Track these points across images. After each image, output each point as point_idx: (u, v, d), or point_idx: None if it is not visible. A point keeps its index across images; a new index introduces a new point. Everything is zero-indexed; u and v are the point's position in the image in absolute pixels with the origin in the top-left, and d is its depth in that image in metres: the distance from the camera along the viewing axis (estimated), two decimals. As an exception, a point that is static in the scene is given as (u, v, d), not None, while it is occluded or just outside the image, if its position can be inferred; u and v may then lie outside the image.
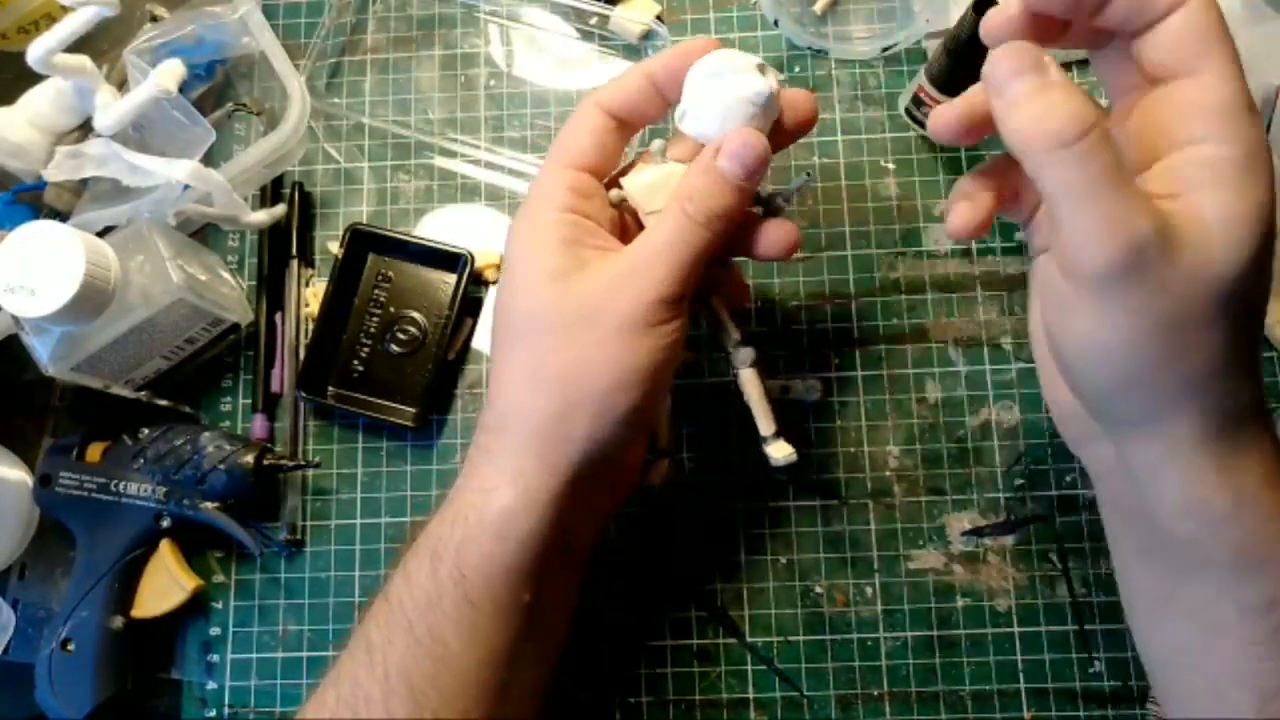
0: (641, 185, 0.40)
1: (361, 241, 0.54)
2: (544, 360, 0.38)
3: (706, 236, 0.37)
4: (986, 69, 0.31)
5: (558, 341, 0.37)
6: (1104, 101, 0.39)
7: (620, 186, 0.40)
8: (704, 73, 0.38)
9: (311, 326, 0.54)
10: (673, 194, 0.38)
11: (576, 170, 0.39)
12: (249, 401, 0.54)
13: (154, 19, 0.55)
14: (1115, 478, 0.36)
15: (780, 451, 0.42)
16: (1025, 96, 0.30)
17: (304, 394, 0.53)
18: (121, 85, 0.53)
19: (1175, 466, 0.32)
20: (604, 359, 0.37)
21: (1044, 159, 0.30)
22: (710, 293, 0.43)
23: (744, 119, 0.38)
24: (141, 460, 0.50)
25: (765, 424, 0.42)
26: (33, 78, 0.51)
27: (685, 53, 0.39)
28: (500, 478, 0.38)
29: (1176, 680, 0.37)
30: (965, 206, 0.37)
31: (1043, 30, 0.33)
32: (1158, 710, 0.40)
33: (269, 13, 0.57)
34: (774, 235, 0.40)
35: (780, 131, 0.40)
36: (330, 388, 0.53)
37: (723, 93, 0.37)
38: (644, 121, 0.41)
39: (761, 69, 0.38)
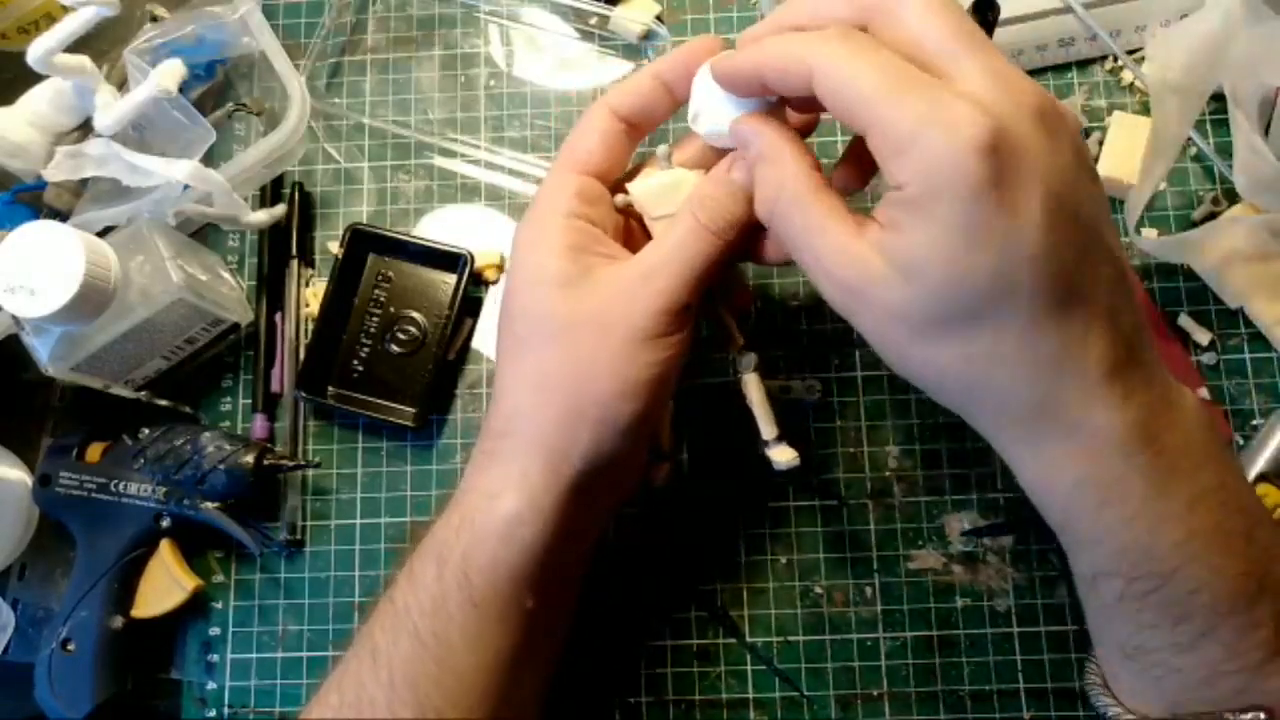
0: (648, 191, 0.40)
1: (361, 241, 0.54)
2: (550, 367, 0.38)
3: (718, 246, 0.37)
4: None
5: (564, 349, 0.37)
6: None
7: (626, 192, 0.40)
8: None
9: (311, 326, 0.54)
10: (684, 202, 0.38)
11: (583, 175, 0.39)
12: (249, 401, 0.54)
13: (154, 19, 0.55)
14: None
15: (783, 456, 0.42)
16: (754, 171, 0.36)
17: (304, 394, 0.53)
18: (121, 85, 0.53)
19: (999, 449, 0.36)
20: (610, 368, 0.37)
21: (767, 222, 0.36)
22: (715, 297, 0.43)
23: None
24: (141, 460, 0.50)
25: (768, 429, 0.42)
26: (33, 78, 0.51)
27: (694, 51, 0.39)
28: (505, 483, 0.38)
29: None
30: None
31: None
32: (1095, 666, 0.41)
33: (269, 13, 0.57)
34: (778, 241, 0.40)
35: None
36: (330, 388, 0.53)
37: (740, 101, 0.37)
38: (654, 124, 0.41)
39: None
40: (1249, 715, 0.34)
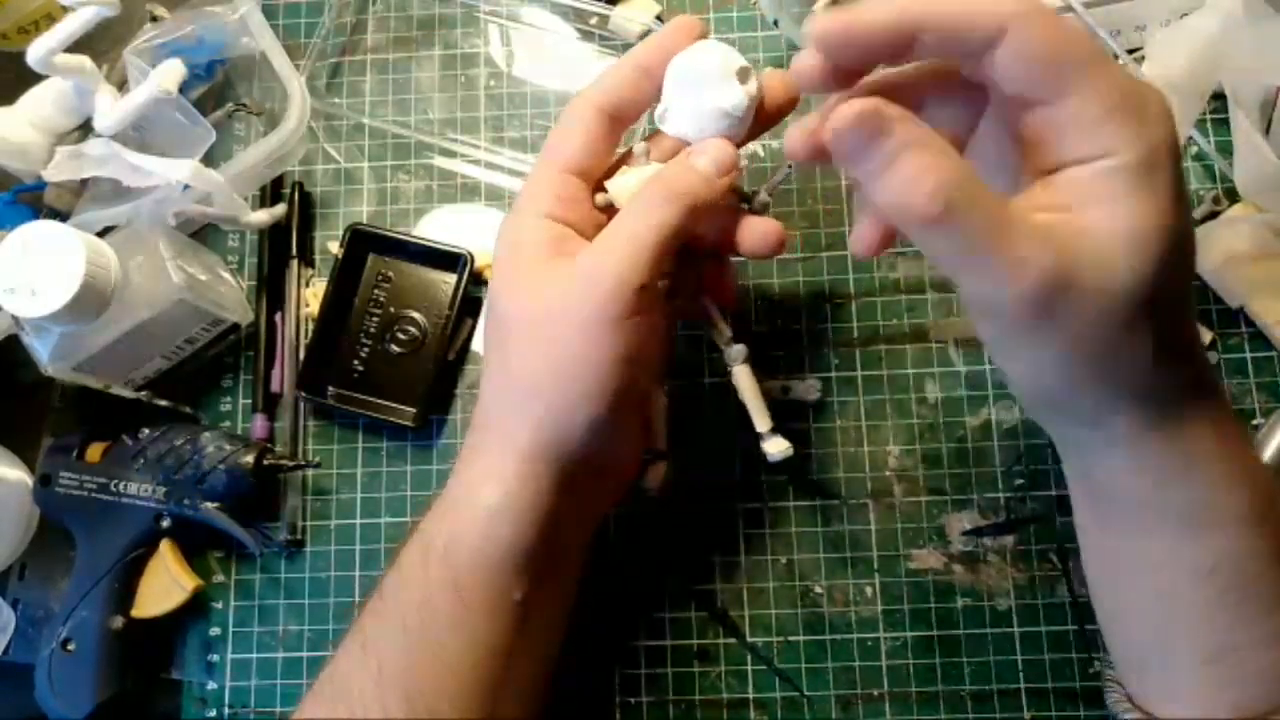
0: (625, 188, 0.40)
1: (361, 241, 0.54)
2: (514, 363, 0.38)
3: (668, 218, 0.37)
4: (830, 139, 0.30)
5: (527, 346, 0.38)
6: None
7: (605, 190, 0.40)
8: (685, 75, 0.38)
9: (311, 326, 0.54)
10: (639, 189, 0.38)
11: (565, 173, 0.39)
12: (249, 401, 0.54)
13: (154, 19, 0.55)
14: (1078, 453, 0.37)
15: (776, 447, 0.42)
16: (880, 172, 0.29)
17: (304, 394, 0.53)
18: (121, 85, 0.53)
19: (1123, 448, 0.34)
20: (568, 364, 0.37)
21: (918, 235, 0.30)
22: (700, 291, 0.43)
23: (721, 129, 0.39)
24: (141, 460, 0.50)
25: (760, 420, 0.42)
26: (33, 78, 0.51)
27: (673, 34, 0.39)
28: (483, 477, 0.38)
29: (1137, 636, 0.38)
30: (868, 224, 0.36)
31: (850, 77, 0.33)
32: (1112, 674, 0.41)
33: (269, 13, 0.57)
34: (758, 231, 0.40)
35: (760, 119, 0.40)
36: (330, 388, 0.53)
37: (702, 101, 0.38)
38: (638, 113, 0.41)
39: (744, 74, 0.38)
40: None
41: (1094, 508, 0.38)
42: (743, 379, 0.42)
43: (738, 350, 0.42)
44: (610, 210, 0.40)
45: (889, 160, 0.29)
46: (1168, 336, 0.32)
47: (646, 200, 0.37)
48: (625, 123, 0.41)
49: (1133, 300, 0.30)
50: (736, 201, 0.43)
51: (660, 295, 0.38)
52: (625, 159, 0.41)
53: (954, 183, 0.29)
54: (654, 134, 0.41)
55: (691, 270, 0.43)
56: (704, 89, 0.38)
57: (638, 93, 0.39)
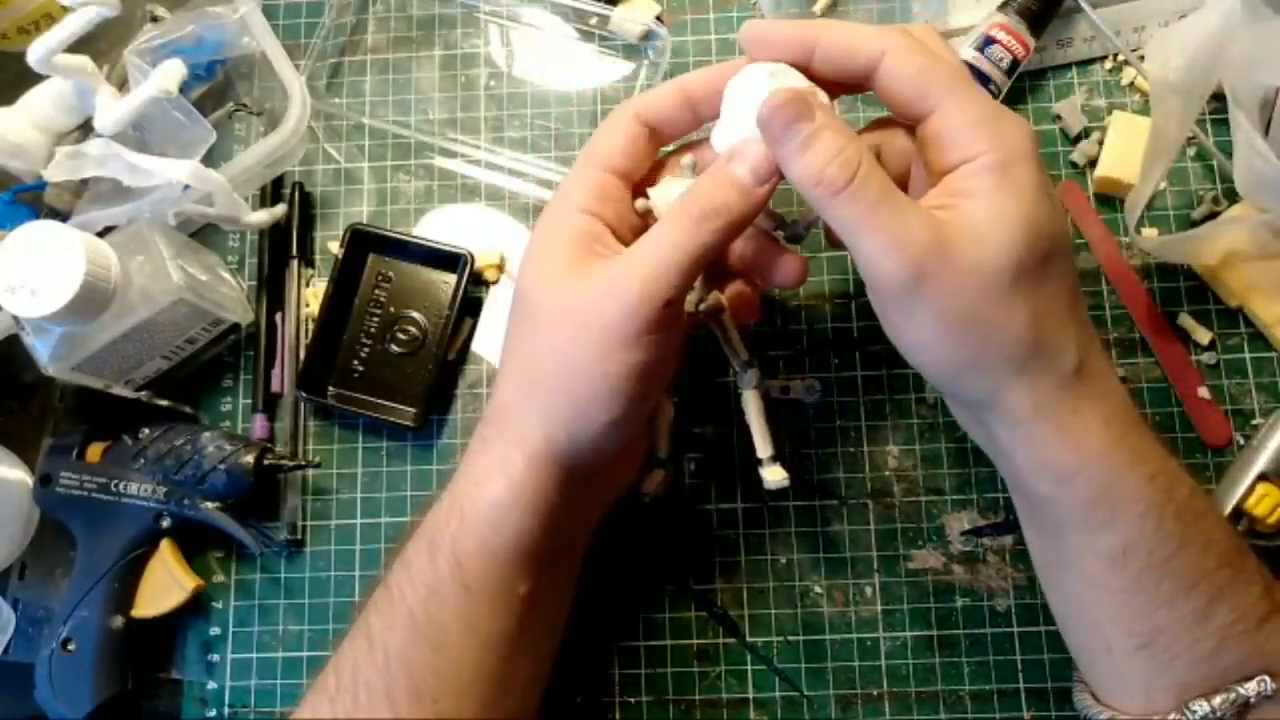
0: (667, 197, 0.40)
1: (361, 241, 0.54)
2: (533, 360, 0.38)
3: (702, 236, 0.37)
4: (760, 122, 0.36)
5: (546, 343, 0.38)
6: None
7: (647, 196, 0.41)
8: (736, 91, 0.38)
9: (311, 326, 0.54)
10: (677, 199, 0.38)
11: (603, 172, 0.40)
12: (249, 401, 0.54)
13: (154, 19, 0.55)
14: (997, 453, 0.39)
15: (774, 475, 0.42)
16: (798, 149, 0.35)
17: (304, 394, 0.53)
18: (122, 85, 0.53)
19: (1019, 435, 0.36)
20: (585, 366, 0.37)
21: (828, 203, 0.35)
22: (722, 310, 0.43)
23: None
24: (142, 460, 0.50)
25: (763, 447, 0.42)
26: (33, 78, 0.51)
27: (722, 72, 0.39)
28: (491, 470, 0.39)
29: (1078, 633, 0.41)
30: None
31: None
32: (1078, 674, 0.42)
33: (269, 13, 0.57)
34: (783, 265, 0.42)
35: None
36: (330, 388, 0.53)
37: (748, 114, 0.37)
38: (675, 133, 0.41)
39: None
40: (1253, 683, 0.36)
41: (1026, 512, 0.40)
42: (751, 404, 0.43)
43: (751, 375, 0.43)
44: (649, 217, 0.41)
45: (811, 138, 0.35)
46: (1041, 314, 0.35)
47: (681, 216, 0.37)
48: (662, 138, 0.41)
49: (999, 272, 0.34)
50: (772, 227, 0.43)
51: (677, 309, 0.38)
52: (665, 164, 0.42)
53: (858, 159, 0.34)
54: (696, 144, 0.41)
55: (720, 288, 0.43)
56: (751, 102, 0.37)
57: (677, 112, 0.40)
